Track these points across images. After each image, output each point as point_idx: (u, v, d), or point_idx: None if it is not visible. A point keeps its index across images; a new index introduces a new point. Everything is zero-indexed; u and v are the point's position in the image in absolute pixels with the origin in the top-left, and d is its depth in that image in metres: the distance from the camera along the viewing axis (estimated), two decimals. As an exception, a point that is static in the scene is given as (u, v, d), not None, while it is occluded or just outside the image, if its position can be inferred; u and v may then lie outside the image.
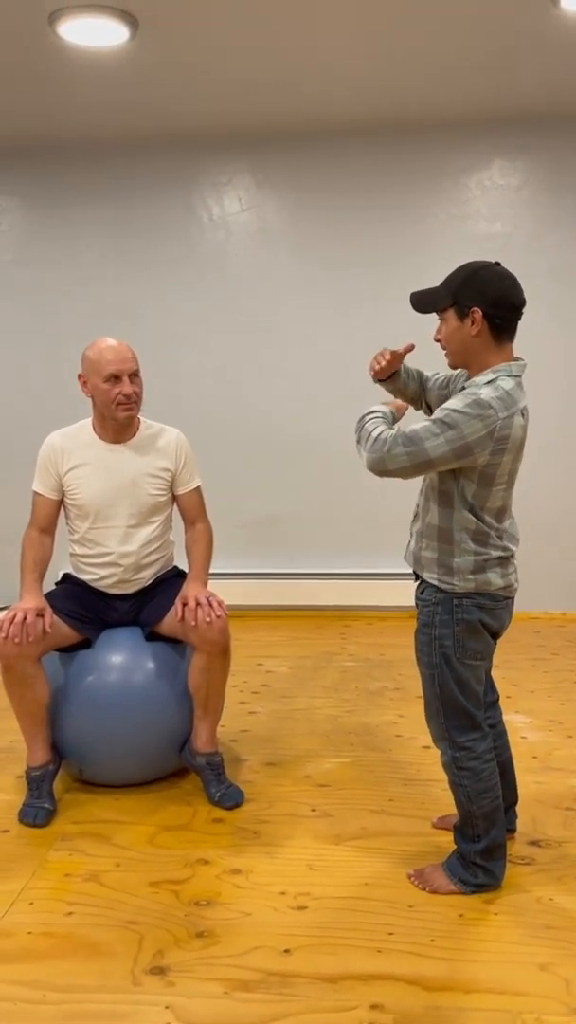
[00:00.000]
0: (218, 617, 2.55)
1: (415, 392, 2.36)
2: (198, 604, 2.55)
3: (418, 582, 2.17)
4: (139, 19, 3.38)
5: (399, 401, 2.29)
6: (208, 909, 2.14)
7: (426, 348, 2.48)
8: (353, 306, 4.82)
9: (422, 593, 2.13)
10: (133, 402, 2.61)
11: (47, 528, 2.72)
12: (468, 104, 4.36)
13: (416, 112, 4.45)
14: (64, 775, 2.86)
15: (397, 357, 2.24)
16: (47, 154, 4.88)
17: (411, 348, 2.22)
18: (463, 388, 2.02)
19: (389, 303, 4.76)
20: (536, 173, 4.64)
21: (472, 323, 1.97)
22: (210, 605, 2.55)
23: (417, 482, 4.51)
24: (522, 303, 1.99)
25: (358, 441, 2.03)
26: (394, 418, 2.14)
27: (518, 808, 2.47)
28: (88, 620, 2.71)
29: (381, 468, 1.94)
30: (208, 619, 2.53)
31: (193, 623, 2.53)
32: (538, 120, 4.58)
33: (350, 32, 3.52)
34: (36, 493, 2.73)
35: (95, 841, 2.47)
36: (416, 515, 2.17)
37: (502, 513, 2.06)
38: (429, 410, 2.38)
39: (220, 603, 2.58)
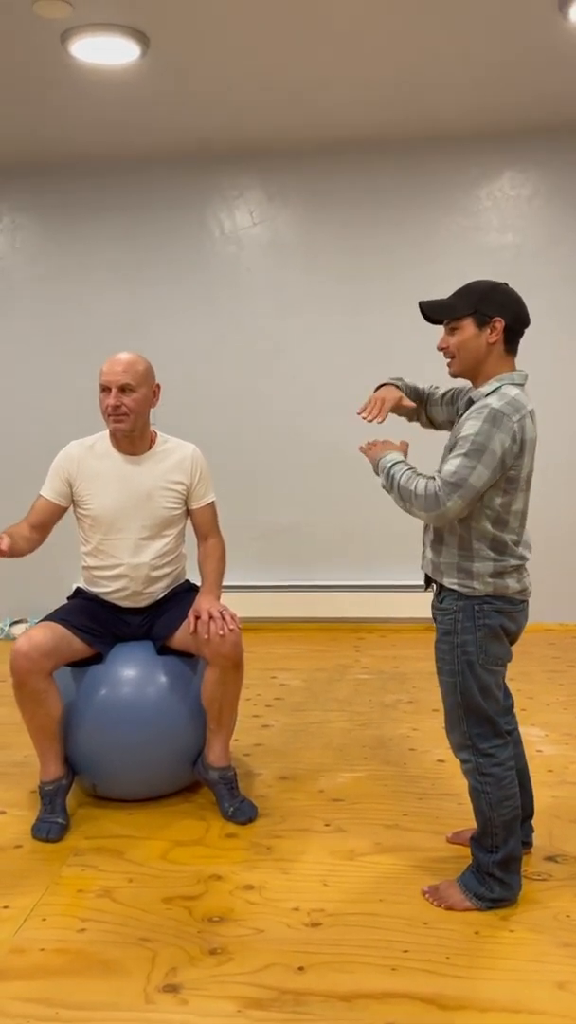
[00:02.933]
0: (231, 630, 2.54)
1: (407, 411, 2.36)
2: (211, 617, 2.54)
3: (436, 591, 2.17)
4: (150, 37, 3.41)
5: (396, 442, 2.25)
6: (221, 926, 2.12)
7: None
8: (365, 317, 4.83)
9: (441, 602, 2.15)
10: (122, 414, 2.60)
11: (37, 526, 2.68)
12: (478, 116, 4.36)
13: (426, 124, 4.47)
14: (77, 790, 2.85)
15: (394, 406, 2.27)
16: (60, 171, 4.92)
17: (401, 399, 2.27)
18: (469, 401, 2.12)
19: (401, 314, 4.76)
20: (547, 184, 4.64)
21: (492, 331, 2.07)
22: (223, 618, 2.54)
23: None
24: (529, 322, 2.13)
25: (402, 498, 2.07)
26: (405, 456, 2.20)
27: (534, 822, 2.44)
28: (100, 634, 2.71)
29: (443, 521, 2.04)
30: (221, 632, 2.52)
31: (206, 636, 2.53)
32: (548, 131, 4.58)
33: (359, 46, 3.54)
34: (40, 496, 2.73)
35: (108, 856, 2.46)
36: (428, 525, 2.17)
37: (523, 518, 2.11)
38: (430, 424, 2.42)
39: (233, 616, 2.57)
